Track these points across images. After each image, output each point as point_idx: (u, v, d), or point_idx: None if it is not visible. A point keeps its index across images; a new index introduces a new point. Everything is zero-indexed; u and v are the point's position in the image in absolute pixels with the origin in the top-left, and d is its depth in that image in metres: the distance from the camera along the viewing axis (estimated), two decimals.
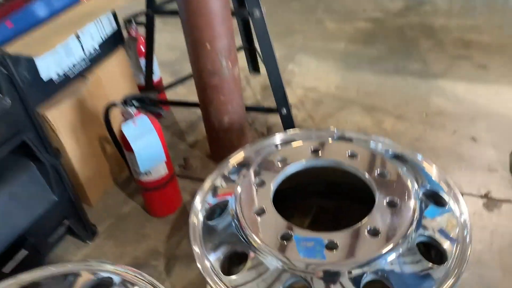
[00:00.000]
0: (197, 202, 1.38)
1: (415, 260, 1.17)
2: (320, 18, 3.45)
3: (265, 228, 1.26)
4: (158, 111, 1.65)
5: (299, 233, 1.23)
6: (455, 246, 1.22)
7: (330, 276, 1.13)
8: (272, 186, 1.40)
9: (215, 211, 1.39)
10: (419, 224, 1.24)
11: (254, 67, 2.76)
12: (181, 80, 2.41)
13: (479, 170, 1.95)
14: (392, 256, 1.16)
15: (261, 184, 1.40)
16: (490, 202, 1.80)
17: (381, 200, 1.31)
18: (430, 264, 1.16)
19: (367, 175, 1.40)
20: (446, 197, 1.36)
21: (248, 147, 1.58)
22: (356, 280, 1.12)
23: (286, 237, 1.22)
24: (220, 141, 1.98)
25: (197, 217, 1.35)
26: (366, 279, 1.14)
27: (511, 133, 2.13)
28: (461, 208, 1.32)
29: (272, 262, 1.17)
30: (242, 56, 2.67)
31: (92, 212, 1.93)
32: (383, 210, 1.28)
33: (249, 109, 2.14)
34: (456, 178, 1.88)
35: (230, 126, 1.93)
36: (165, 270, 1.66)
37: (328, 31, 3.28)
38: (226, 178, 1.47)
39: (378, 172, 1.40)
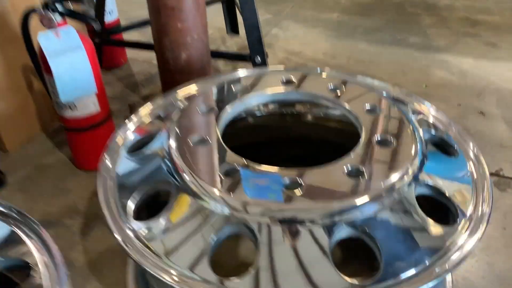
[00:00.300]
0: (118, 135, 1.00)
1: (412, 216, 0.80)
2: None
3: (202, 161, 0.88)
4: (90, 21, 1.27)
5: (250, 168, 0.85)
6: (470, 204, 0.86)
7: (286, 225, 0.75)
8: (225, 114, 1.02)
9: (142, 146, 1.00)
10: (420, 171, 0.87)
11: (232, 27, 2.40)
12: (143, 24, 2.03)
13: (488, 146, 1.60)
14: (378, 206, 0.79)
15: (210, 111, 1.03)
16: (503, 181, 1.44)
17: (369, 137, 0.94)
18: (433, 223, 0.80)
19: (352, 110, 1.03)
20: (457, 146, 1.00)
21: (205, 79, 1.21)
22: (324, 234, 0.75)
23: (230, 173, 0.85)
24: (175, 85, 1.60)
25: (115, 153, 0.97)
26: (339, 234, 0.76)
27: None
28: (477, 159, 0.95)
29: (204, 204, 0.80)
30: (219, 13, 2.31)
31: (7, 159, 1.54)
32: (371, 149, 0.91)
33: (214, 55, 1.78)
34: None
35: (189, 66, 1.56)
36: (81, 232, 1.26)
37: (322, 1, 2.94)
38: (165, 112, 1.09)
39: (368, 108, 1.03)
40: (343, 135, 1.04)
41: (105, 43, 1.91)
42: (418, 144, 0.91)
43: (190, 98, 1.09)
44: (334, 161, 0.86)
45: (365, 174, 0.83)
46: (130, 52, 2.22)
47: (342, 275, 0.71)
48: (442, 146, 1.01)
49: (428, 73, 2.07)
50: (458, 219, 0.82)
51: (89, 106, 1.35)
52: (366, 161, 0.86)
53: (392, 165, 0.85)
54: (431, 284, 0.69)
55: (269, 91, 1.10)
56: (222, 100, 1.07)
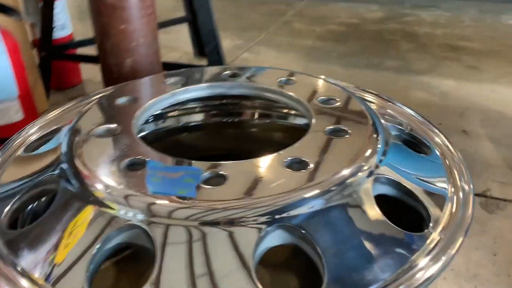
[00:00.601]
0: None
1: (368, 219, 0.61)
2: (288, 20, 3.02)
3: (103, 153, 0.68)
4: (10, 12, 1.10)
5: (162, 160, 0.66)
6: (445, 209, 0.66)
7: (196, 229, 0.55)
8: (147, 103, 0.84)
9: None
10: (380, 167, 0.69)
11: (200, 49, 2.26)
12: None
13: (472, 165, 1.42)
14: (323, 205, 0.59)
15: (133, 101, 0.85)
16: (490, 202, 1.25)
17: (319, 127, 0.76)
18: (396, 229, 0.60)
19: (302, 100, 0.85)
20: (431, 146, 0.82)
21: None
22: (249, 239, 0.55)
23: (131, 165, 0.65)
24: None
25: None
26: (268, 239, 0.56)
27: None
28: (457, 163, 0.78)
29: (89, 204, 0.60)
30: (185, 35, 2.18)
31: None
32: (321, 140, 0.72)
33: (166, 65, 1.61)
34: None
35: (135, 74, 1.38)
36: None
37: (295, 30, 2.84)
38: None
39: (323, 99, 0.85)
40: (291, 129, 0.86)
41: (51, 57, 1.74)
42: (380, 138, 0.73)
43: (111, 94, 0.91)
44: (273, 153, 0.67)
45: (309, 166, 0.64)
46: (86, 73, 2.05)
47: None
48: (413, 144, 0.83)
49: (407, 94, 1.92)
50: (429, 227, 0.62)
51: (9, 113, 1.16)
52: (313, 153, 0.67)
53: (344, 157, 0.66)
54: None
55: (207, 84, 0.92)
56: (149, 94, 0.89)
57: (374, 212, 0.61)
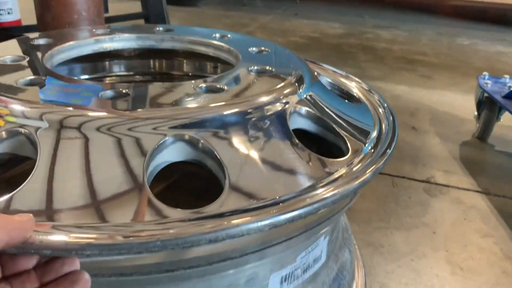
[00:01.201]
0: None
1: (280, 140, 0.57)
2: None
3: (4, 74, 0.63)
4: None
5: (65, 79, 0.61)
6: (366, 145, 0.63)
7: (86, 134, 0.50)
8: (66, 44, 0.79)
9: None
10: (303, 102, 0.65)
11: None
12: None
13: (419, 156, 1.41)
14: (232, 121, 0.55)
15: (52, 43, 0.79)
16: (433, 187, 1.23)
17: (244, 66, 0.72)
18: (308, 152, 0.57)
19: (232, 49, 0.82)
20: (361, 99, 0.80)
21: None
22: (144, 146, 0.50)
23: (33, 83, 0.60)
24: None
25: None
26: (168, 153, 0.51)
27: (459, 127, 1.63)
28: (386, 111, 0.75)
29: None
30: None
31: None
32: (242, 75, 0.69)
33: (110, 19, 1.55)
34: (395, 163, 1.32)
35: None
36: None
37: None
38: None
39: (255, 50, 0.82)
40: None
41: None
42: (306, 79, 0.70)
43: (32, 35, 0.85)
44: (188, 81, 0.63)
45: (224, 90, 0.60)
46: None
47: (160, 203, 0.45)
48: (341, 93, 0.81)
49: None
50: (346, 154, 0.59)
51: None
52: (231, 83, 0.63)
53: (262, 88, 0.62)
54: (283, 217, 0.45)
55: (137, 34, 0.88)
56: (71, 39, 0.83)
57: (288, 137, 0.57)
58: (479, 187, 1.24)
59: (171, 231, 0.41)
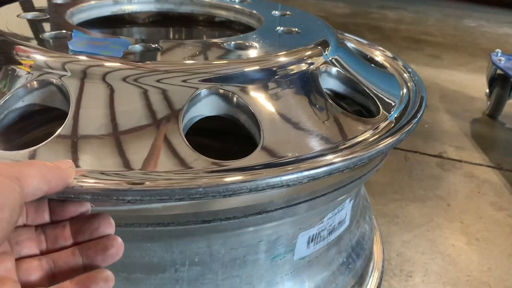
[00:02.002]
0: None
1: (313, 100, 0.56)
2: None
3: (28, 28, 0.61)
4: None
5: (93, 35, 0.59)
6: (395, 107, 0.63)
7: (121, 84, 0.49)
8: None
9: None
10: (332, 63, 0.64)
11: None
12: None
13: (431, 132, 1.41)
14: (263, 79, 0.54)
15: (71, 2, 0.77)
16: (446, 162, 1.23)
17: (270, 27, 0.71)
18: (340, 110, 0.56)
19: (255, 12, 0.81)
20: (387, 66, 0.79)
21: None
22: (179, 98, 0.49)
23: (60, 37, 0.58)
24: None
25: None
26: (202, 106, 0.51)
27: (469, 105, 1.63)
28: (412, 78, 0.74)
29: (12, 61, 0.53)
30: None
31: None
32: (269, 34, 0.67)
33: None
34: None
35: None
36: None
37: None
38: None
39: (277, 14, 0.81)
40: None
41: None
42: (332, 41, 0.69)
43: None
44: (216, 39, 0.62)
45: (254, 47, 0.59)
46: None
47: (198, 153, 0.44)
48: (366, 58, 0.80)
49: None
50: (376, 115, 0.59)
51: None
52: (260, 41, 0.62)
53: (292, 47, 0.61)
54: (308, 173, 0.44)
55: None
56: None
57: (320, 95, 0.56)
58: (491, 162, 1.24)
59: (213, 179, 0.41)
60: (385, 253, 0.86)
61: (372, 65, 0.76)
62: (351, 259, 0.70)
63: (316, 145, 0.49)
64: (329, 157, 0.46)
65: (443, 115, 1.54)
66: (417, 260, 0.85)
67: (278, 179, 0.42)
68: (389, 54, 0.84)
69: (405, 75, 0.75)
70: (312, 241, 0.60)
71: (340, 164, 0.46)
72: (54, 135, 0.44)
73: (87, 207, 0.37)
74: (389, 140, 0.52)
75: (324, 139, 0.50)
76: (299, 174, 0.43)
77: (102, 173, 0.40)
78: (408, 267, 0.83)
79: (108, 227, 0.36)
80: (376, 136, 0.53)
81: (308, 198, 0.51)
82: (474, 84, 1.82)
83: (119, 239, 0.35)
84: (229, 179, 0.41)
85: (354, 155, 0.47)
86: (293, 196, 0.49)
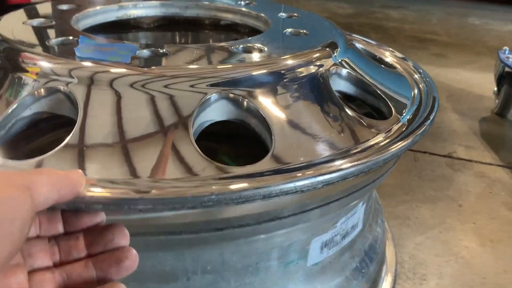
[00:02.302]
0: None
1: (324, 101, 0.55)
2: None
3: (34, 35, 0.61)
4: None
5: (99, 40, 0.59)
6: (407, 107, 0.62)
7: (129, 90, 0.48)
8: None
9: None
10: (341, 64, 0.63)
11: None
12: None
13: (439, 132, 1.39)
14: (273, 82, 0.53)
15: (75, 8, 0.77)
16: (456, 162, 1.21)
17: (277, 28, 0.70)
18: (352, 112, 0.55)
19: (262, 14, 0.80)
20: (397, 67, 0.77)
21: None
22: (188, 104, 0.48)
23: (66, 44, 0.58)
24: None
25: None
26: (212, 111, 0.50)
27: (477, 104, 1.61)
28: (423, 79, 0.73)
29: (18, 68, 0.52)
30: None
31: None
32: (277, 36, 0.67)
33: None
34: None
35: None
36: None
37: None
38: None
39: (284, 16, 0.80)
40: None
41: None
42: (341, 42, 0.67)
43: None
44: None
45: (263, 51, 0.58)
46: None
47: (209, 159, 0.43)
48: (375, 59, 0.79)
49: None
50: (388, 117, 0.57)
51: None
52: (268, 43, 0.61)
53: (301, 50, 0.60)
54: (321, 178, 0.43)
55: (160, 1, 0.85)
56: (95, 4, 0.81)
57: (331, 97, 0.55)
58: (502, 162, 1.22)
59: (225, 186, 0.40)
60: (398, 256, 0.84)
61: (382, 66, 0.75)
62: (365, 264, 0.69)
63: (328, 149, 0.48)
64: (343, 161, 0.45)
65: (451, 115, 1.52)
66: (431, 263, 0.84)
67: (292, 185, 0.41)
68: (398, 54, 0.83)
69: (415, 75, 0.74)
70: (325, 246, 0.59)
71: (354, 168, 0.45)
72: (62, 144, 0.43)
73: (101, 217, 0.37)
74: (403, 143, 0.51)
75: (337, 143, 0.49)
76: (313, 180, 0.42)
77: (112, 182, 0.39)
78: (422, 270, 0.82)
79: (123, 238, 0.35)
80: (389, 139, 0.52)
81: (321, 203, 0.50)
82: (481, 83, 1.81)
83: (134, 251, 0.34)
84: (241, 185, 0.40)
85: (368, 159, 0.46)
86: (307, 202, 0.48)
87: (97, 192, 0.37)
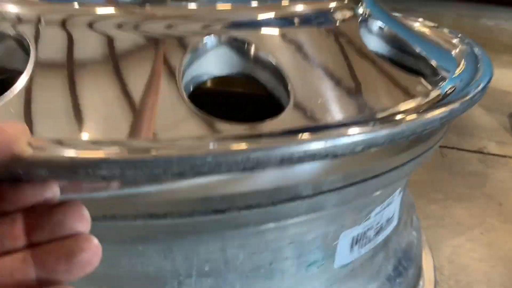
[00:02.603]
0: None
1: (355, 51, 0.42)
2: None
3: None
4: None
5: None
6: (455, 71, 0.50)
7: (96, 29, 0.35)
8: None
9: None
10: (373, 19, 0.51)
11: None
12: None
13: (469, 127, 1.27)
14: (288, 27, 0.41)
15: None
16: (489, 158, 1.09)
17: None
18: (390, 66, 0.42)
19: None
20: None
21: None
22: (175, 54, 0.35)
23: None
24: None
25: None
26: (211, 61, 0.37)
27: (502, 99, 1.49)
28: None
29: None
30: None
31: None
32: None
33: None
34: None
35: None
36: None
37: None
38: None
39: None
40: None
41: None
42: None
43: None
44: None
45: None
46: None
47: (205, 114, 0.31)
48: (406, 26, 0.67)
49: None
50: (436, 77, 0.45)
51: None
52: None
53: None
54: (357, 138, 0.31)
55: None
56: None
57: (361, 48, 0.43)
58: None
59: (227, 145, 0.28)
60: (435, 261, 0.71)
61: (414, 29, 0.63)
62: (402, 267, 0.56)
63: (358, 109, 0.36)
64: (387, 120, 0.33)
65: (475, 109, 1.39)
66: (475, 269, 0.71)
67: (322, 143, 0.29)
68: (428, 23, 0.71)
69: (454, 40, 0.62)
70: (356, 243, 0.47)
71: (406, 126, 0.32)
72: (3, 95, 0.31)
73: (52, 191, 0.24)
74: (462, 100, 0.39)
75: (374, 100, 0.37)
76: (352, 139, 0.30)
77: (64, 141, 0.28)
78: (465, 277, 0.69)
79: (79, 220, 0.22)
80: (441, 99, 0.40)
81: (355, 180, 0.38)
82: (503, 79, 1.68)
83: (95, 241, 0.22)
84: (248, 145, 0.28)
85: (423, 115, 0.34)
86: (338, 176, 0.36)
87: (43, 152, 0.25)
